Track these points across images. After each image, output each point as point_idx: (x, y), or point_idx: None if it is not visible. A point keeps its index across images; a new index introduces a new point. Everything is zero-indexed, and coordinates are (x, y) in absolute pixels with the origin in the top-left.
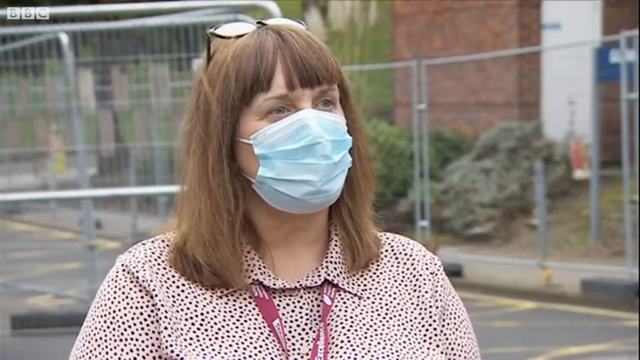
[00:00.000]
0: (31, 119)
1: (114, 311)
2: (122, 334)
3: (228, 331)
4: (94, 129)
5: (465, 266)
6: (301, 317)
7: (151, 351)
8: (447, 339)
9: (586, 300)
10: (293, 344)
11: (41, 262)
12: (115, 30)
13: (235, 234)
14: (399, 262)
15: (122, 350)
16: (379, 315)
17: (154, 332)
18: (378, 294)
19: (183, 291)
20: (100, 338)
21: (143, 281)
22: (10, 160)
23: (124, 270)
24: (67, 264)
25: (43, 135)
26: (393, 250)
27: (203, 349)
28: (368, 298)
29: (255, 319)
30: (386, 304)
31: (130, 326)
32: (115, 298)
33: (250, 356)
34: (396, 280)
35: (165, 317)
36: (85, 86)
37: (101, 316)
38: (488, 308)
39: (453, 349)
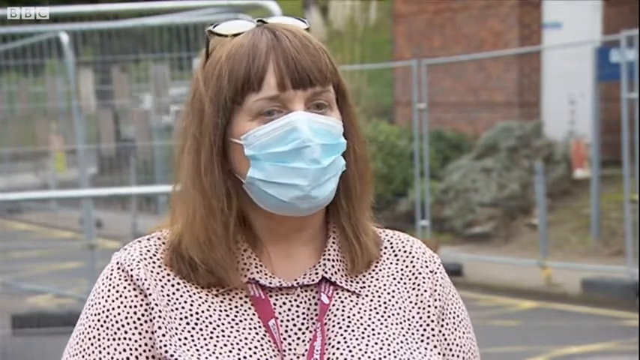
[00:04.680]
0: (32, 119)
1: (107, 310)
2: (115, 333)
3: (223, 331)
4: (94, 128)
5: (465, 265)
6: (298, 316)
7: (145, 350)
8: (445, 339)
9: (586, 299)
10: (289, 344)
11: (41, 262)
12: (115, 29)
13: (230, 234)
14: (398, 260)
15: (115, 350)
16: (377, 313)
17: (147, 332)
18: (377, 292)
19: (178, 290)
20: (94, 337)
21: (137, 280)
22: (11, 160)
23: (118, 268)
24: (68, 263)
25: (43, 134)
26: (392, 247)
27: (198, 350)
28: (366, 295)
29: (251, 319)
30: (384, 303)
31: (123, 325)
32: (109, 296)
33: (245, 357)
34: (395, 278)
35: (160, 317)
36: (85, 85)
37: (95, 315)
38: (488, 308)
39: (451, 349)
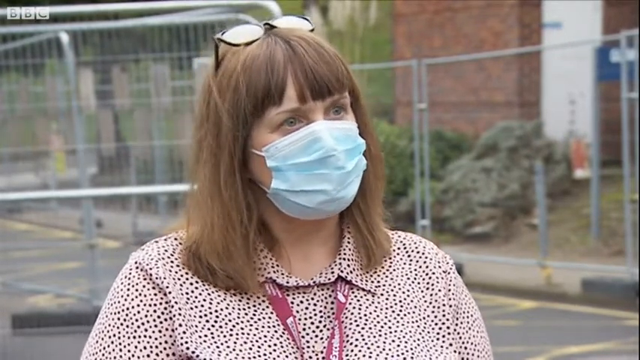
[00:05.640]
0: (32, 118)
1: (127, 308)
2: (135, 331)
3: (242, 329)
4: (94, 128)
5: (465, 265)
6: (315, 315)
7: (165, 348)
8: (460, 338)
9: (586, 299)
10: (307, 342)
11: (41, 262)
12: (115, 29)
13: (249, 244)
14: (411, 260)
15: (136, 347)
16: (393, 312)
17: (167, 329)
18: (392, 291)
19: (197, 288)
20: (114, 335)
21: (156, 278)
22: (11, 160)
23: (137, 267)
24: (68, 263)
25: (43, 134)
26: (405, 248)
27: (218, 347)
28: (381, 295)
29: (269, 318)
30: (400, 301)
31: (143, 323)
32: (128, 295)
33: (265, 354)
34: (409, 278)
35: (180, 314)
36: (85, 85)
37: (114, 313)
38: (488, 307)
39: (466, 347)
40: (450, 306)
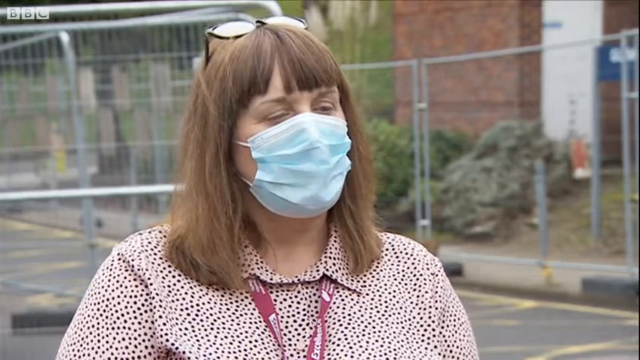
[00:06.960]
0: (32, 118)
1: (107, 299)
2: (115, 322)
3: (223, 324)
4: (94, 128)
5: (465, 265)
6: (298, 313)
7: (144, 340)
8: (445, 341)
9: (586, 299)
10: (289, 339)
11: (42, 261)
12: (115, 29)
13: (234, 237)
14: (399, 261)
15: (114, 339)
16: (378, 312)
17: (147, 321)
18: (378, 291)
19: (179, 281)
20: (93, 326)
21: (138, 270)
22: (11, 159)
23: (119, 259)
24: (68, 263)
25: (43, 134)
26: (393, 249)
27: (198, 340)
28: (367, 294)
29: (252, 314)
30: (385, 302)
31: (123, 315)
32: (109, 286)
33: (245, 350)
34: (395, 279)
35: (160, 306)
36: (85, 85)
37: (94, 304)
38: (488, 307)
39: (451, 351)
40: (437, 308)
